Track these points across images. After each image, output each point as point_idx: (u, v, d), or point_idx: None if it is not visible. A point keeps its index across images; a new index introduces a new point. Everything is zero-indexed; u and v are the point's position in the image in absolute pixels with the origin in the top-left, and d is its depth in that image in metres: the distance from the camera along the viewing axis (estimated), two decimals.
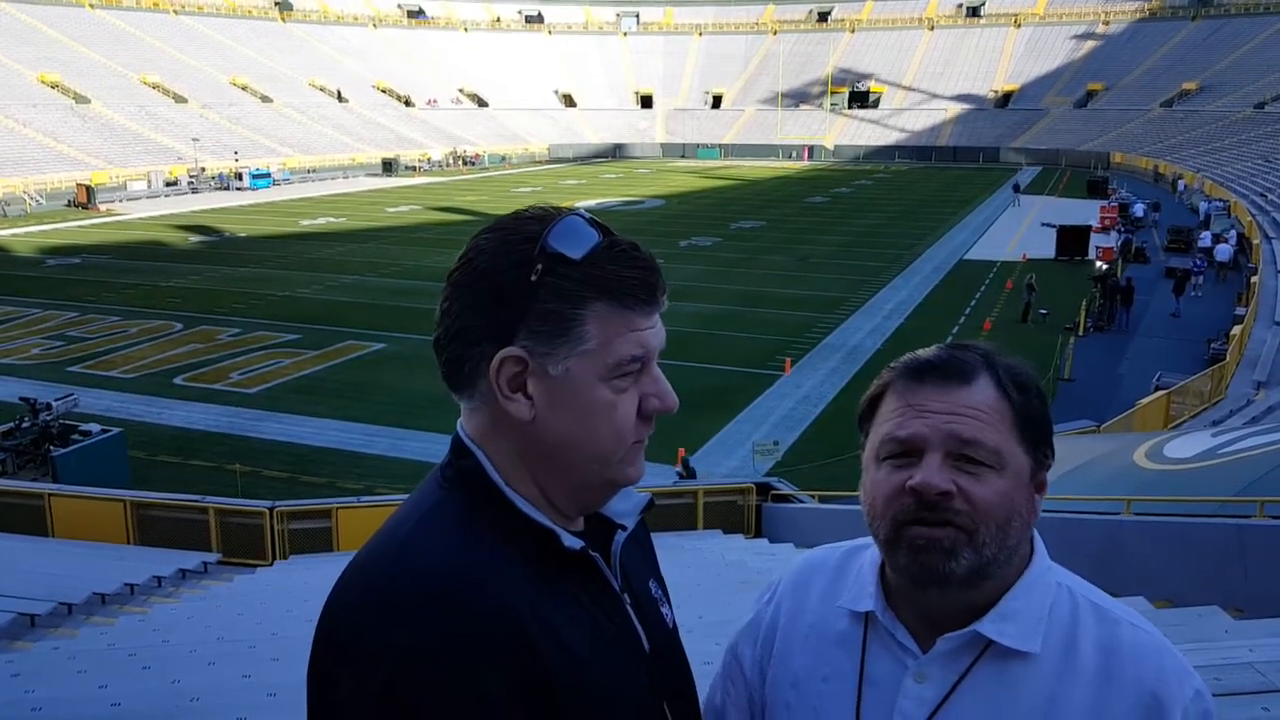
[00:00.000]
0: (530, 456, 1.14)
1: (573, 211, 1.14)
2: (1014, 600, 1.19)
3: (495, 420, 1.14)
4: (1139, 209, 37.91)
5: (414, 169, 67.42)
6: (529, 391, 1.12)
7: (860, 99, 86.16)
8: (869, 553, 1.30)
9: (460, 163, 71.29)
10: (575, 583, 1.15)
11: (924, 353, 1.24)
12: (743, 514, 11.82)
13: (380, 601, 1.05)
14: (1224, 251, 29.07)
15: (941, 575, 1.16)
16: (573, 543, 1.13)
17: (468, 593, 1.04)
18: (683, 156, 79.80)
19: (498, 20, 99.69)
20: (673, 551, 9.74)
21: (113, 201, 48.25)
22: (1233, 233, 31.60)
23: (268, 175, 56.64)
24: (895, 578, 1.23)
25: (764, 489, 12.06)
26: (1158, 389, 15.53)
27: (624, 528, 1.25)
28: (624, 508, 1.26)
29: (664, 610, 1.30)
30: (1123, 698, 1.14)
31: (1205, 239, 31.23)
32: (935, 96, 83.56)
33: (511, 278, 1.10)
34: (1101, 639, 1.17)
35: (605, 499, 1.22)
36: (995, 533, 1.16)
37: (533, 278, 1.09)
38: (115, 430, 14.00)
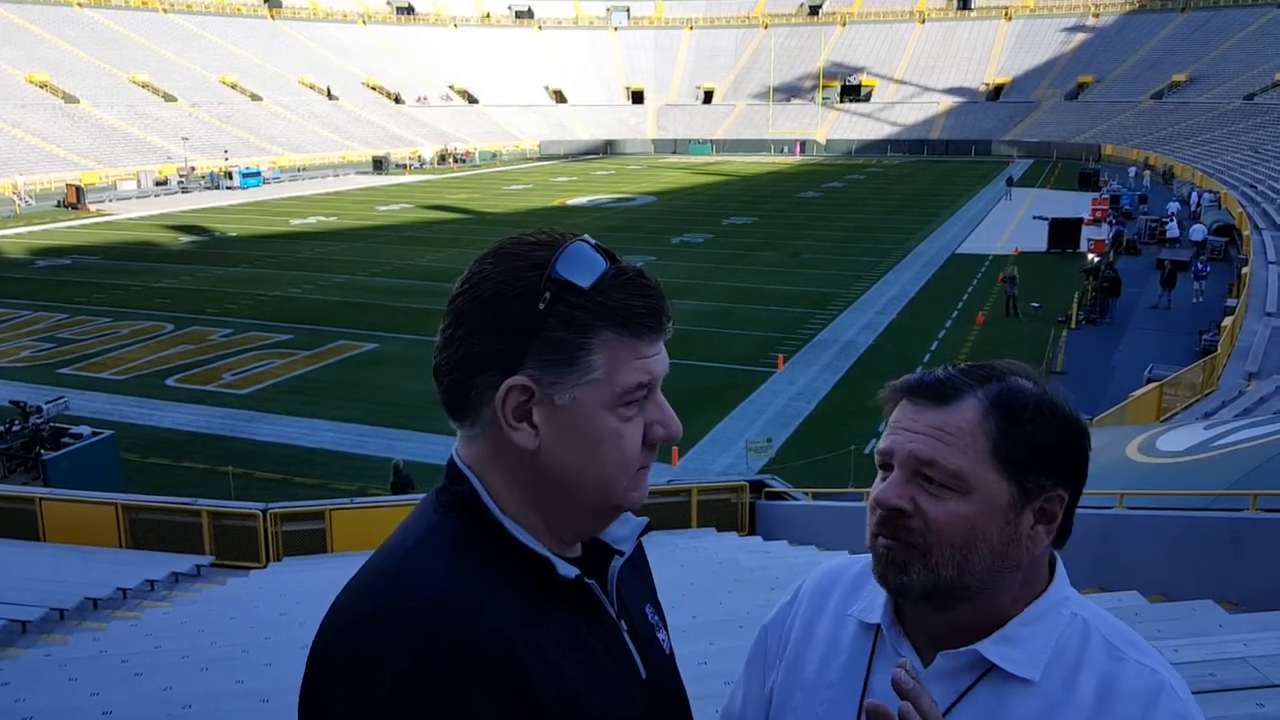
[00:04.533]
0: (533, 485, 1.13)
1: (577, 237, 1.12)
2: (1021, 625, 1.19)
3: (496, 448, 1.12)
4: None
5: (405, 167, 67.27)
6: (534, 420, 1.10)
7: (852, 93, 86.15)
8: None
9: (451, 160, 71.13)
10: (571, 610, 1.14)
11: (927, 370, 1.25)
12: (736, 511, 11.81)
13: (374, 626, 1.04)
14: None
15: (896, 587, 1.19)
16: (568, 571, 1.12)
17: (461, 619, 1.04)
18: (674, 152, 79.71)
19: (487, 16, 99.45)
20: (667, 550, 9.74)
21: (102, 202, 48.07)
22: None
23: (258, 174, 56.43)
24: None
25: (757, 486, 12.05)
26: (1150, 381, 15.57)
27: (621, 553, 1.24)
28: (622, 533, 1.25)
29: (660, 637, 1.29)
30: None
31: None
32: (927, 90, 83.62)
33: (520, 306, 1.08)
34: (1104, 675, 1.16)
35: (607, 525, 1.22)
36: (951, 555, 1.15)
37: (541, 306, 1.07)
38: (106, 433, 13.93)
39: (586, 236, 1.13)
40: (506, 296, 1.08)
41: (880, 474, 1.23)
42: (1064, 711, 1.14)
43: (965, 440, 1.16)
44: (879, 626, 1.27)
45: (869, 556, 1.36)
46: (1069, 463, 1.19)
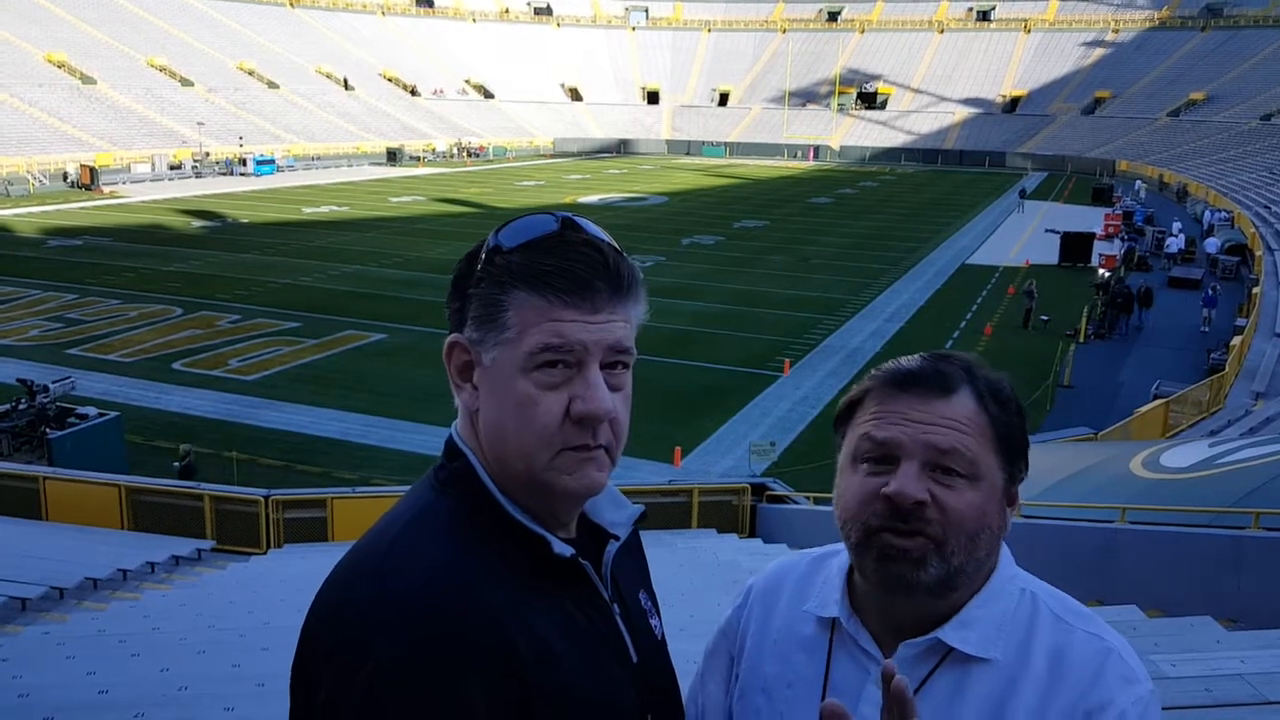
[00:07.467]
0: (486, 453, 1.14)
1: (556, 214, 1.13)
2: (976, 608, 1.21)
3: (465, 414, 1.16)
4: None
5: (418, 159, 67.34)
6: (475, 380, 1.13)
7: (868, 100, 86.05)
8: (837, 559, 1.32)
9: (465, 154, 71.21)
10: (564, 591, 1.14)
11: (906, 362, 1.25)
12: (737, 514, 11.81)
13: (365, 605, 1.05)
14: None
15: (909, 583, 1.17)
16: (563, 550, 1.12)
17: (452, 599, 1.04)
18: (688, 154, 79.63)
19: (506, 11, 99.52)
20: (667, 550, 9.74)
21: (116, 184, 48.21)
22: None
23: (272, 161, 56.58)
24: (863, 583, 1.25)
25: (759, 489, 12.05)
26: (1156, 398, 15.54)
27: (616, 537, 1.24)
28: (617, 518, 1.25)
29: (653, 622, 1.29)
30: (1062, 702, 1.15)
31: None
32: (943, 99, 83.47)
33: (467, 266, 1.14)
34: (1053, 645, 1.18)
35: (557, 505, 1.15)
36: (964, 544, 1.17)
37: (478, 266, 1.12)
38: (112, 414, 13.98)
39: (568, 214, 1.14)
40: (464, 259, 1.15)
41: (867, 467, 1.20)
42: (1019, 685, 1.16)
43: (975, 428, 1.19)
44: (834, 620, 1.27)
45: (816, 551, 1.38)
46: (1027, 448, 1.24)
